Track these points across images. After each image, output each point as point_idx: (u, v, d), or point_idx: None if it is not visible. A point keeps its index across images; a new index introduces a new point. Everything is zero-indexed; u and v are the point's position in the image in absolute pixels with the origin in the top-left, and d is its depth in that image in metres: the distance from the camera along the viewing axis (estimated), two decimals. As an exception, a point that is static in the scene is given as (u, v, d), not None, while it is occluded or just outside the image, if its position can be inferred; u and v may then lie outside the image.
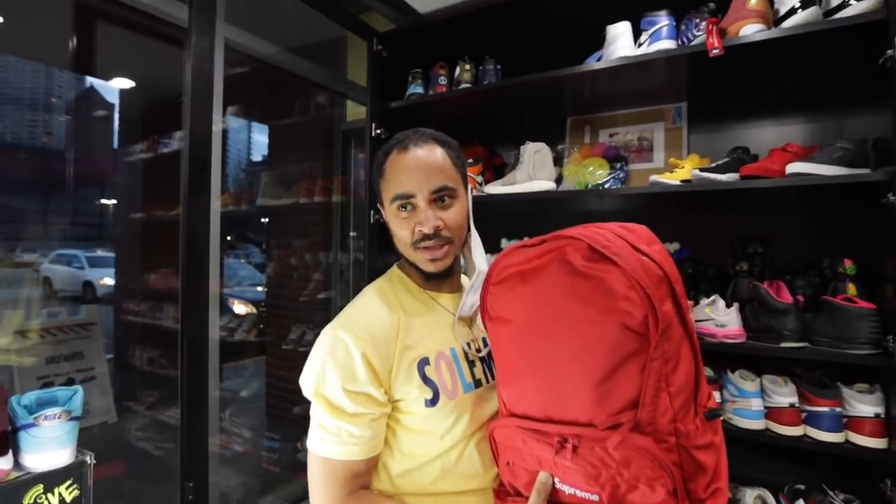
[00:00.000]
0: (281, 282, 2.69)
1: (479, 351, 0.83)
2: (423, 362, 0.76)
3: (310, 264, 2.49)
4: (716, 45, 1.23)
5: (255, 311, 2.99)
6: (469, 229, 0.86)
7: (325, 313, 2.43)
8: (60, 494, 0.81)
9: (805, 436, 1.24)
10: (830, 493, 1.28)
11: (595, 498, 0.61)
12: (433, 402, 0.74)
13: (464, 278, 0.94)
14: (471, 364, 0.81)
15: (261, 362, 2.77)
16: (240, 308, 3.11)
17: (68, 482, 0.82)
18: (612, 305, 0.57)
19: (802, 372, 1.35)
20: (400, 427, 0.75)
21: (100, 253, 3.99)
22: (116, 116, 3.16)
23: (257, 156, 3.50)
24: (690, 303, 1.38)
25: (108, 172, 3.32)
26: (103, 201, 3.43)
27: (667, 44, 1.34)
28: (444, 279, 0.85)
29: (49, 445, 0.80)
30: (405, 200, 0.78)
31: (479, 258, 0.85)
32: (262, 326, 2.73)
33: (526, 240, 0.70)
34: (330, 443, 0.71)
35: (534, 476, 0.65)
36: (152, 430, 2.62)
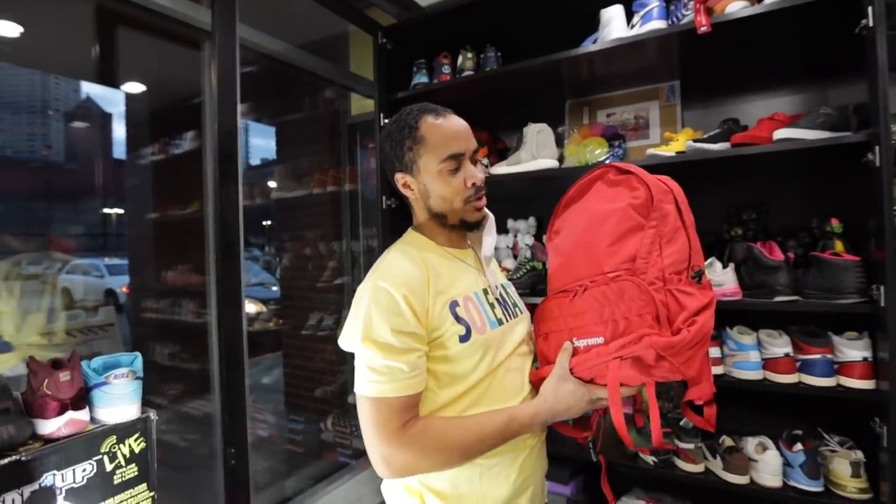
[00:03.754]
0: (297, 273, 2.78)
1: (494, 293, 0.95)
2: (454, 304, 0.85)
3: (324, 253, 2.59)
4: (703, 22, 1.31)
5: (264, 308, 3.09)
6: None
7: (341, 298, 2.53)
8: (130, 445, 0.91)
9: (800, 382, 1.33)
10: (826, 436, 1.38)
11: (600, 340, 0.81)
12: (466, 337, 0.84)
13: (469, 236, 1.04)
14: (491, 306, 0.92)
15: (278, 356, 2.87)
16: (250, 307, 3.21)
17: (136, 435, 0.92)
18: (627, 195, 0.85)
19: (800, 328, 1.44)
20: (438, 364, 0.84)
21: (117, 261, 4.06)
22: (124, 122, 3.24)
23: (255, 159, 3.57)
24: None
25: (113, 179, 3.40)
26: (115, 210, 3.51)
27: (657, 24, 1.42)
28: (477, 230, 0.96)
29: (119, 401, 0.90)
30: (458, 159, 0.88)
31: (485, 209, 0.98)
32: (279, 321, 2.83)
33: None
34: (383, 382, 0.77)
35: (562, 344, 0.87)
36: (177, 423, 2.72)
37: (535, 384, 0.91)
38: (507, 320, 0.93)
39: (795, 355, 1.35)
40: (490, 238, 0.95)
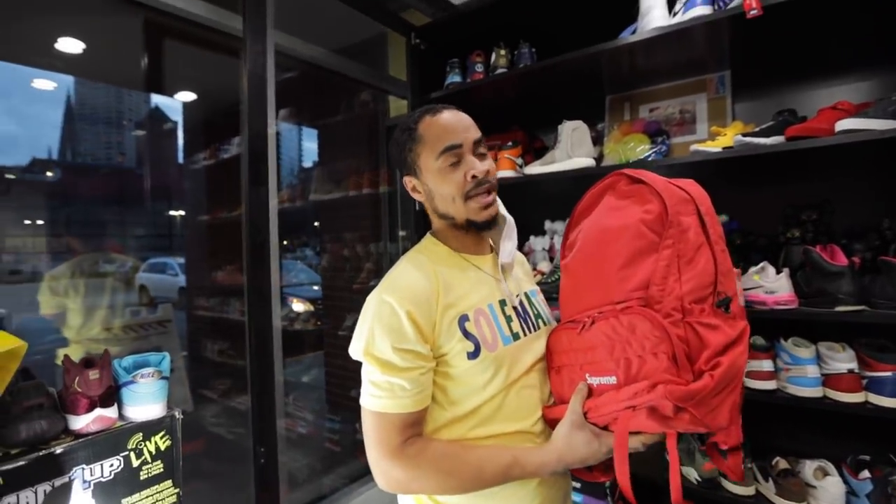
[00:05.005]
0: (335, 274, 2.83)
1: (513, 305, 0.88)
2: (464, 318, 0.80)
3: (361, 255, 2.62)
4: (753, 5, 1.20)
5: (312, 307, 3.17)
6: None
7: (376, 299, 2.55)
8: (156, 443, 0.94)
9: (866, 402, 1.19)
10: (899, 463, 1.23)
11: (613, 380, 0.71)
12: (475, 354, 0.79)
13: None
14: (508, 319, 0.86)
15: (320, 355, 2.93)
16: (298, 306, 3.31)
17: (162, 433, 0.95)
18: (638, 209, 0.75)
19: (867, 341, 1.29)
20: (445, 380, 0.80)
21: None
22: (181, 129, 3.44)
23: (308, 161, 3.66)
24: (738, 271, 1.36)
25: (177, 182, 3.61)
26: (174, 212, 3.72)
27: (702, 10, 1.32)
28: (489, 230, 0.89)
29: (145, 399, 0.93)
30: (455, 152, 0.83)
31: (503, 210, 0.91)
32: (318, 323, 2.90)
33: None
34: (383, 398, 0.76)
35: (575, 383, 0.79)
36: (225, 416, 2.84)
37: (549, 423, 0.83)
38: (525, 334, 0.87)
39: (861, 371, 1.21)
40: (509, 243, 0.89)
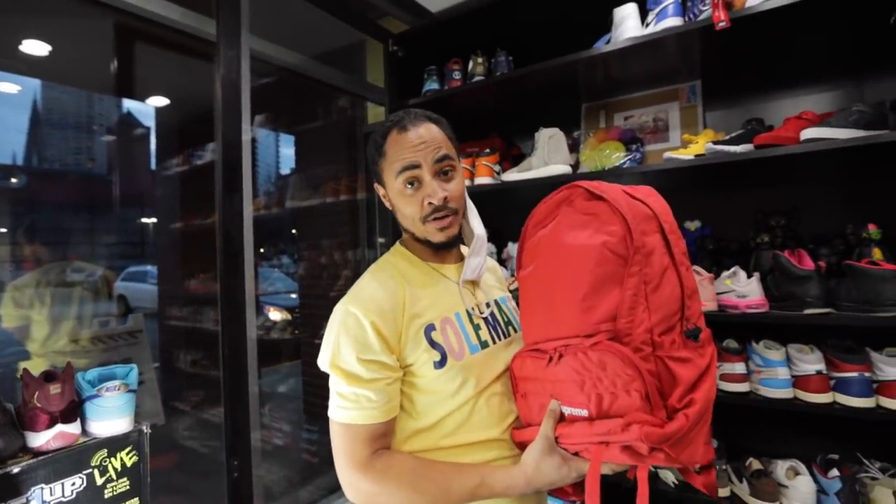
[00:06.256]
0: (313, 281, 2.79)
1: (482, 313, 0.88)
2: (430, 328, 0.80)
3: (339, 262, 2.59)
4: (722, 17, 1.24)
5: (289, 316, 3.12)
6: (465, 200, 0.90)
7: (355, 307, 2.52)
8: (122, 459, 0.90)
9: (834, 403, 1.22)
10: (865, 461, 1.26)
11: (584, 413, 0.68)
12: (441, 363, 0.79)
13: (463, 248, 0.97)
14: (476, 327, 0.85)
15: (297, 364, 2.88)
16: (275, 314, 3.25)
17: (128, 448, 0.91)
18: (599, 229, 0.70)
19: (834, 343, 1.33)
20: (413, 390, 0.80)
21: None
22: (153, 135, 3.36)
23: (285, 168, 3.62)
24: (711, 275, 1.39)
25: (148, 189, 3.52)
26: (146, 219, 3.62)
27: (673, 21, 1.35)
28: (450, 249, 0.89)
29: (110, 414, 0.89)
30: (412, 172, 0.81)
31: (476, 224, 0.90)
32: (295, 331, 2.85)
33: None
34: (349, 409, 0.75)
35: (545, 406, 0.74)
36: (198, 429, 2.76)
37: (518, 445, 0.81)
38: (494, 342, 0.86)
39: (829, 373, 1.24)
40: (475, 259, 0.88)
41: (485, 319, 0.87)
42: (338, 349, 0.76)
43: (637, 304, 0.65)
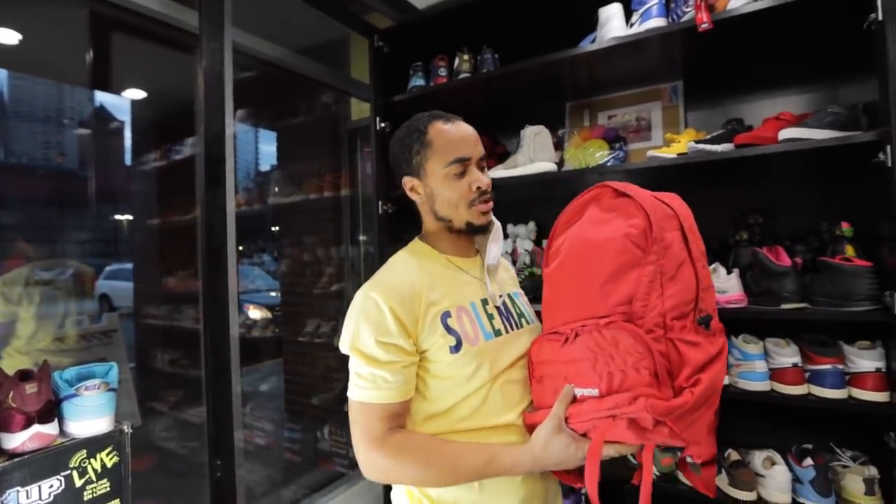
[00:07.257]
0: (295, 279, 2.76)
1: (495, 303, 0.92)
2: (446, 315, 0.84)
3: (322, 259, 2.56)
4: (704, 19, 1.27)
5: (269, 314, 3.08)
6: None
7: (339, 304, 2.50)
8: (102, 460, 0.88)
9: (809, 394, 1.27)
10: (838, 450, 1.31)
11: (595, 392, 0.72)
12: (457, 348, 0.83)
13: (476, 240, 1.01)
14: (490, 316, 0.89)
15: (278, 362, 2.84)
16: (255, 312, 3.20)
17: (108, 448, 0.89)
18: (622, 223, 0.75)
19: (809, 337, 1.37)
20: (429, 375, 0.84)
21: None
22: (128, 129, 3.27)
23: (265, 165, 3.56)
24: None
25: (123, 185, 3.42)
26: (121, 216, 3.51)
27: (657, 22, 1.38)
28: (484, 233, 0.93)
29: (90, 413, 0.87)
30: (464, 163, 0.88)
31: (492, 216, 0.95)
32: (276, 329, 2.81)
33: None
34: (367, 388, 0.80)
35: (559, 391, 0.78)
36: (177, 430, 2.70)
37: (528, 428, 0.84)
38: (507, 331, 0.90)
39: (804, 365, 1.28)
40: (495, 246, 0.93)
41: (498, 309, 0.92)
42: (357, 332, 0.81)
43: (652, 291, 0.70)
